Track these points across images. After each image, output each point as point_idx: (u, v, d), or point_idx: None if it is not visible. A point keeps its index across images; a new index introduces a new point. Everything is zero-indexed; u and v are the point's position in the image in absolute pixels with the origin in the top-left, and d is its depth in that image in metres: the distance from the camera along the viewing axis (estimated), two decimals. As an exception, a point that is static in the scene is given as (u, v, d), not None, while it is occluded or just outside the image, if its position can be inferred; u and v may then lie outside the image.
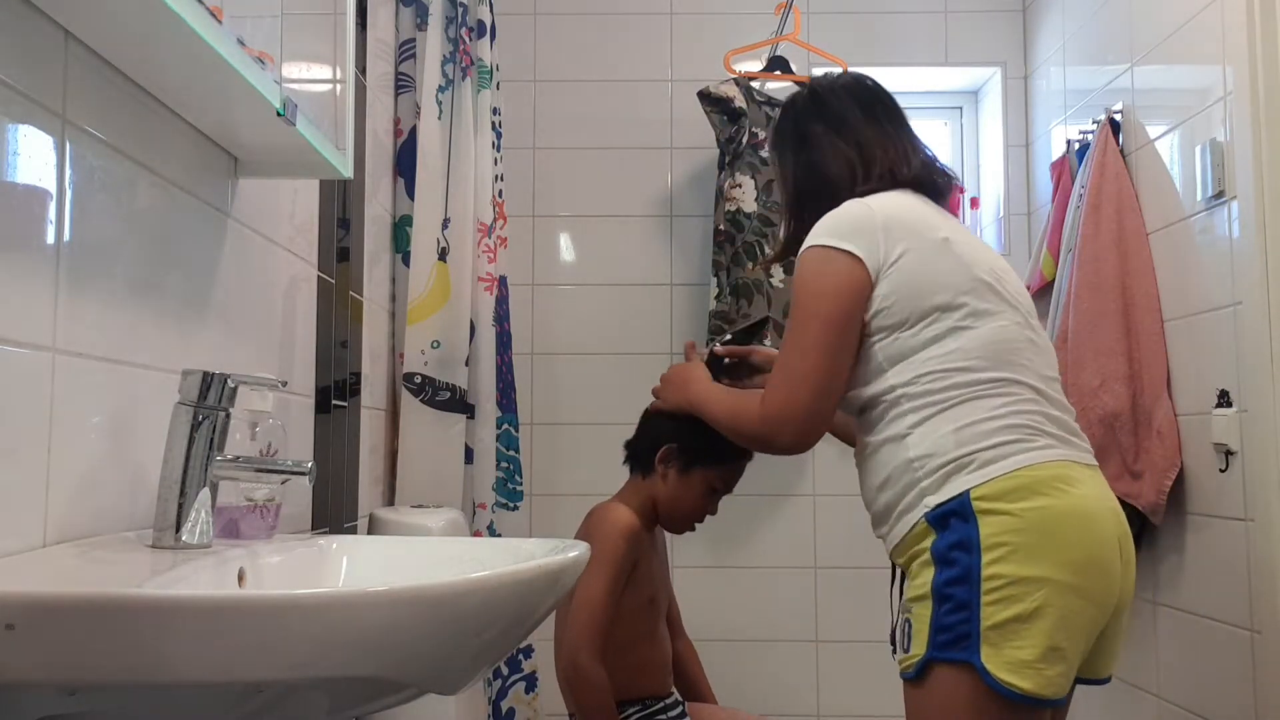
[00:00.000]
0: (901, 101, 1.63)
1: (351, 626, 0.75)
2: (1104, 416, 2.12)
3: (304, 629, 0.74)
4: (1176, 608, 2.10)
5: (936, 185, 1.55)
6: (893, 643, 1.42)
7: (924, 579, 1.33)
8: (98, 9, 0.97)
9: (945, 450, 1.34)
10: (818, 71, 2.51)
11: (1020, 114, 2.88)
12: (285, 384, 1.50)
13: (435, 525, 2.03)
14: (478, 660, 0.92)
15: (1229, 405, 1.89)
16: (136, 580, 0.87)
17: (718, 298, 2.62)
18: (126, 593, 0.74)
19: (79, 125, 1.03)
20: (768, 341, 2.56)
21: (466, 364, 2.32)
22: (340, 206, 1.95)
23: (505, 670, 2.32)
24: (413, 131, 2.37)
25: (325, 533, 1.82)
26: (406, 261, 2.33)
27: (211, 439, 1.06)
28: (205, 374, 1.06)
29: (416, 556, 1.24)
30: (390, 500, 2.32)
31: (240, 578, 1.03)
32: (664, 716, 1.87)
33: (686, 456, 1.84)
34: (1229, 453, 1.89)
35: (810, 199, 1.55)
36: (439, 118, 2.33)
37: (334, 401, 1.90)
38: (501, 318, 2.43)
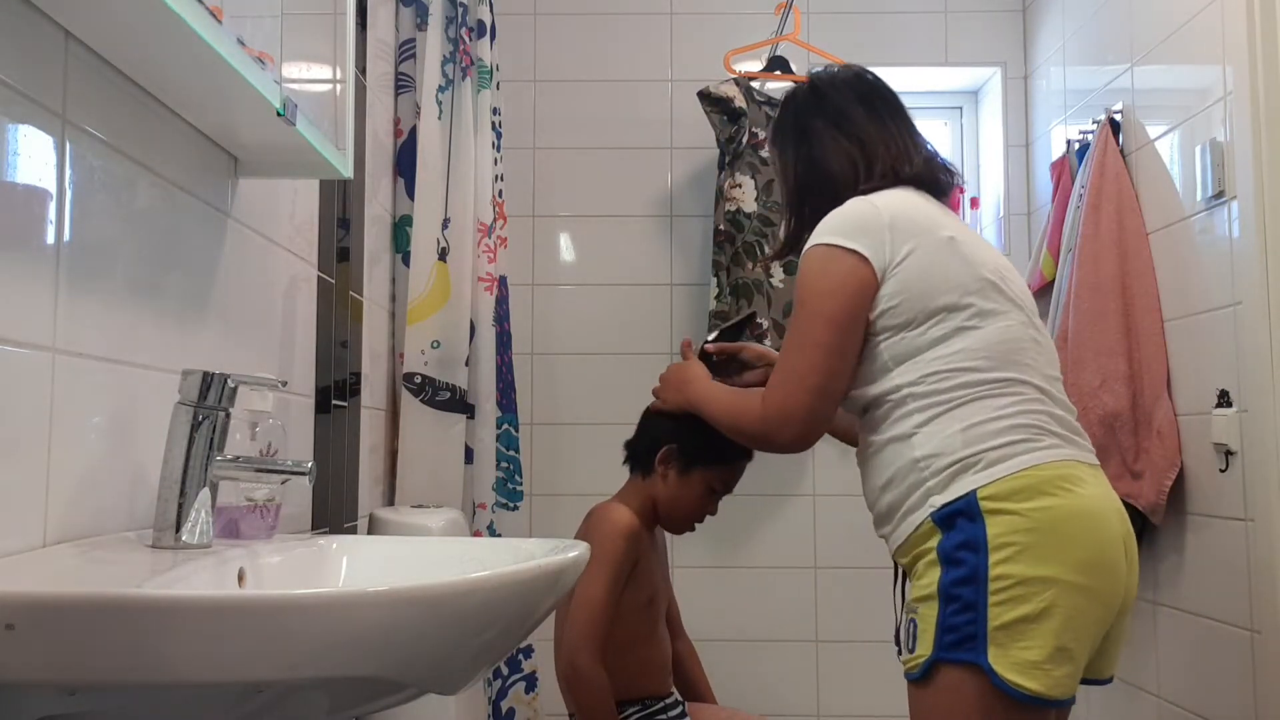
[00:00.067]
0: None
1: (351, 626, 0.75)
2: (1104, 416, 2.12)
3: (304, 629, 0.74)
4: (1176, 608, 2.10)
5: (939, 182, 1.54)
6: (897, 643, 1.41)
7: (930, 579, 1.32)
8: (98, 9, 0.98)
9: (952, 449, 1.33)
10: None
11: (1020, 114, 2.88)
12: (285, 384, 1.50)
13: (435, 525, 2.03)
14: (478, 660, 0.92)
15: (1229, 405, 1.89)
16: (136, 580, 0.87)
17: (718, 298, 2.62)
18: (126, 593, 0.74)
19: (79, 125, 1.03)
20: (768, 341, 2.56)
21: (466, 364, 2.32)
22: (340, 206, 1.95)
23: (505, 670, 2.32)
24: (413, 131, 2.37)
25: (325, 533, 1.82)
26: (406, 261, 2.33)
27: (211, 439, 1.06)
28: (205, 374, 1.06)
29: (416, 556, 1.24)
30: (390, 500, 2.32)
31: (240, 578, 1.03)
32: (664, 716, 1.87)
33: (686, 457, 1.84)
34: (1229, 453, 1.89)
35: (811, 195, 1.55)
36: (439, 118, 2.33)
37: (334, 401, 1.90)
38: (501, 318, 2.43)
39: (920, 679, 1.32)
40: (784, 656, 2.76)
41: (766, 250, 2.58)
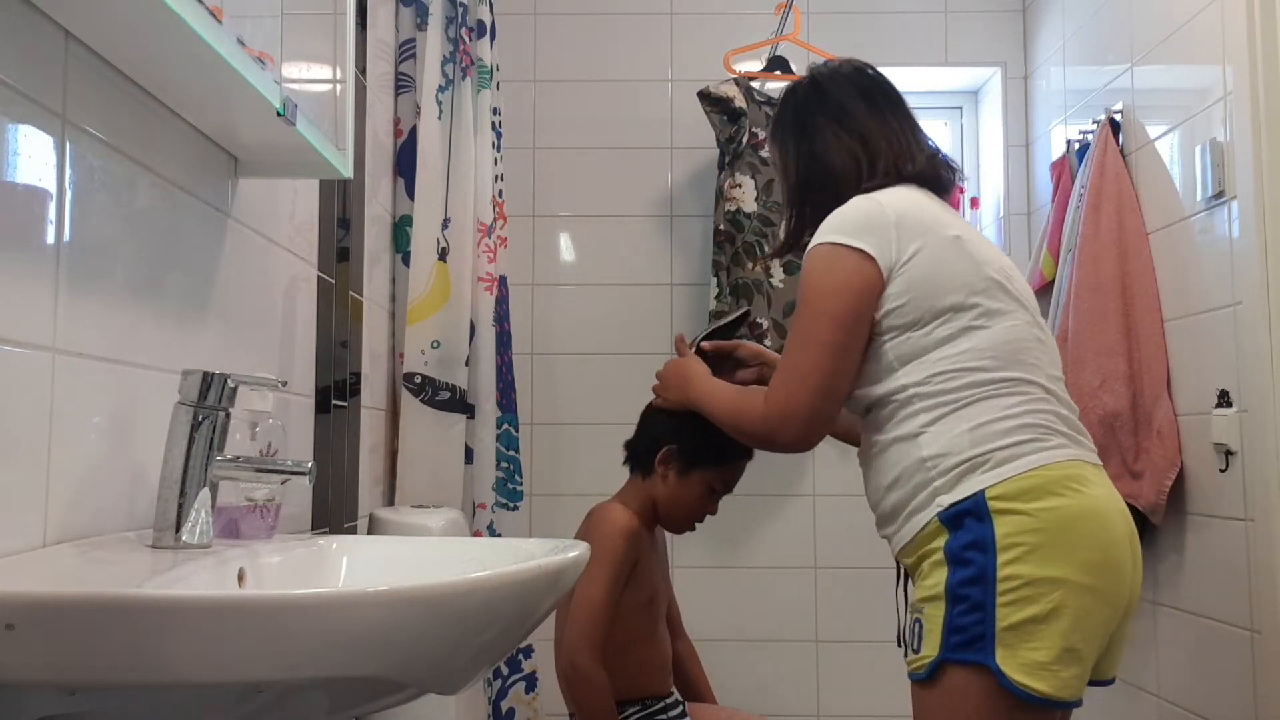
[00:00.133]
0: (901, 101, 1.61)
1: (351, 626, 0.75)
2: (1104, 416, 2.12)
3: (304, 629, 0.74)
4: (1176, 608, 2.10)
5: (941, 180, 1.52)
6: (900, 643, 1.41)
7: (936, 579, 1.31)
8: (98, 9, 0.97)
9: (960, 449, 1.32)
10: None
11: (1020, 114, 2.88)
12: (285, 384, 1.50)
13: (435, 525, 2.03)
14: (478, 660, 0.92)
15: (1229, 405, 1.89)
16: (136, 580, 0.87)
17: (718, 298, 2.62)
18: (126, 593, 0.74)
19: (79, 125, 1.03)
20: (767, 341, 2.56)
21: (466, 364, 2.32)
22: (340, 206, 1.95)
23: (505, 670, 2.32)
24: (413, 131, 2.37)
25: (325, 533, 1.82)
26: (406, 261, 2.33)
27: (211, 439, 1.06)
28: (205, 374, 1.06)
29: (416, 556, 1.24)
30: (390, 500, 2.32)
31: (240, 578, 1.03)
32: (664, 716, 1.87)
33: (686, 457, 1.84)
34: (1229, 453, 1.89)
35: (813, 192, 1.53)
36: (439, 118, 2.33)
37: (334, 401, 1.90)
38: (501, 318, 2.43)
39: (926, 679, 1.31)
40: (784, 656, 2.76)
41: (767, 250, 2.58)
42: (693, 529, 1.91)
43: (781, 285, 2.61)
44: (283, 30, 1.28)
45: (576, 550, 1.00)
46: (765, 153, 2.59)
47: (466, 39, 2.37)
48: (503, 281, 2.45)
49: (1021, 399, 1.35)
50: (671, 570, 2.09)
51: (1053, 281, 2.42)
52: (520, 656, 2.33)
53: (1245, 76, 1.82)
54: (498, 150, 2.45)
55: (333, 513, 1.89)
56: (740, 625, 2.75)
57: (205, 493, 1.05)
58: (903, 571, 1.49)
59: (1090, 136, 2.35)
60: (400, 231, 2.37)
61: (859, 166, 1.50)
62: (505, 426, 2.40)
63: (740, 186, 2.62)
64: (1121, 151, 2.26)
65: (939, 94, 3.04)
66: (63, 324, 1.00)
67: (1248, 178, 1.81)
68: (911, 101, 1.60)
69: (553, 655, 1.85)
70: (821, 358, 1.39)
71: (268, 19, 1.25)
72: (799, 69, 2.75)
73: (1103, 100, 2.38)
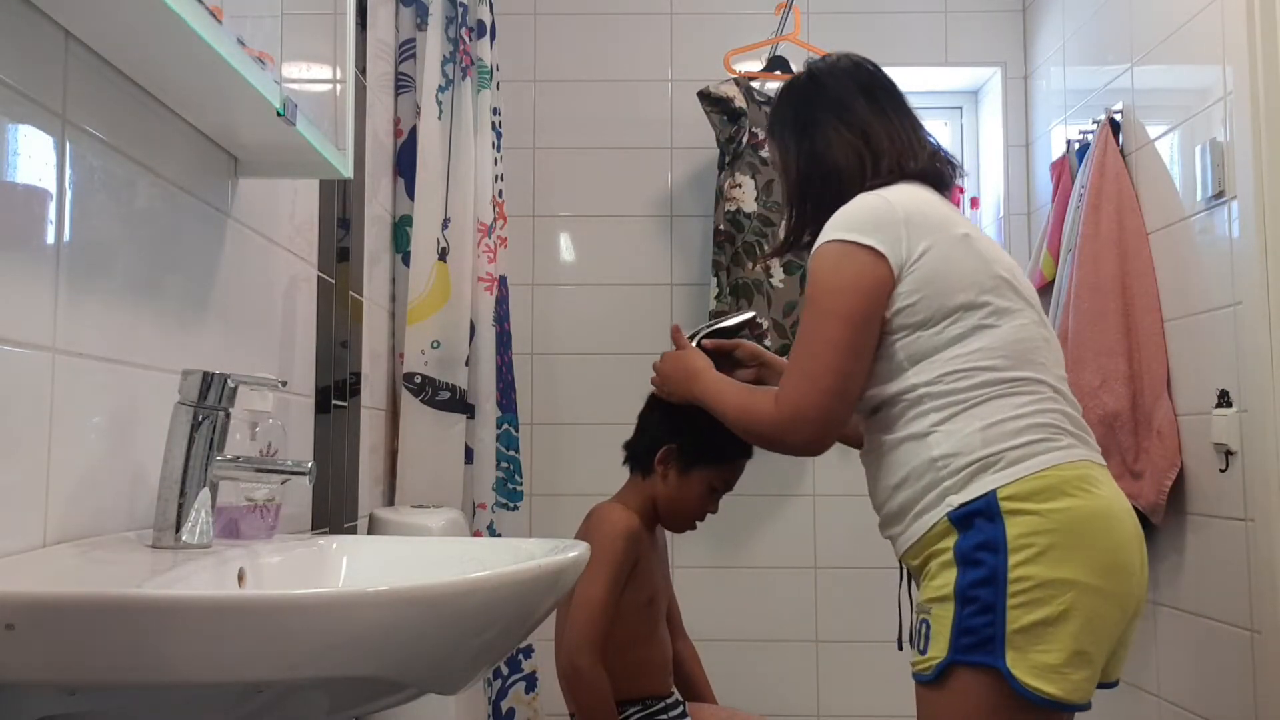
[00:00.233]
0: (901, 101, 1.60)
1: (351, 626, 0.75)
2: (1104, 416, 2.12)
3: (304, 629, 0.74)
4: (1176, 608, 2.10)
5: (943, 177, 1.51)
6: (900, 645, 1.40)
7: (945, 580, 1.29)
8: (98, 9, 0.97)
9: (971, 449, 1.31)
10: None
11: (1020, 114, 2.88)
12: (285, 384, 1.50)
13: (435, 525, 2.03)
14: (478, 660, 0.92)
15: (1229, 405, 1.89)
16: (136, 580, 0.87)
17: (718, 298, 2.62)
18: (126, 593, 0.74)
19: (79, 125, 1.03)
20: (767, 342, 2.56)
21: (466, 364, 2.32)
22: (340, 206, 1.95)
23: (505, 670, 2.32)
24: (413, 131, 2.37)
25: (325, 533, 1.82)
26: (406, 261, 2.33)
27: (211, 439, 1.06)
28: (205, 374, 1.06)
29: (416, 556, 1.24)
30: (390, 500, 2.32)
31: (240, 578, 1.03)
32: (664, 716, 1.87)
33: (686, 456, 1.84)
34: (1229, 453, 1.89)
35: (814, 189, 1.51)
36: (439, 118, 2.33)
37: (334, 401, 1.90)
38: (501, 318, 2.43)
39: (933, 680, 1.29)
40: (784, 656, 2.76)
41: (767, 250, 2.58)
42: (693, 528, 1.91)
43: (781, 285, 2.61)
44: (283, 30, 1.28)
45: (576, 550, 1.00)
46: (765, 153, 2.59)
47: (466, 39, 2.37)
48: (503, 281, 2.45)
49: (1032, 398, 1.34)
50: (672, 570, 2.09)
51: (1053, 281, 2.42)
52: (520, 656, 2.33)
53: (1245, 76, 1.82)
54: (498, 150, 2.45)
55: (333, 513, 1.89)
56: (740, 625, 2.75)
57: (205, 493, 1.05)
58: (906, 573, 1.47)
59: (1090, 136, 2.35)
60: (400, 231, 2.37)
61: (862, 163, 1.47)
62: (505, 426, 2.40)
63: (740, 186, 2.62)
64: (1121, 151, 2.26)
65: (939, 94, 3.04)
66: (63, 324, 1.00)
67: (1248, 178, 1.81)
68: (911, 102, 1.58)
69: (553, 655, 1.84)
70: (833, 359, 1.36)
71: (268, 19, 1.25)
72: (799, 69, 2.74)
73: (1103, 100, 2.38)
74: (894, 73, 1.61)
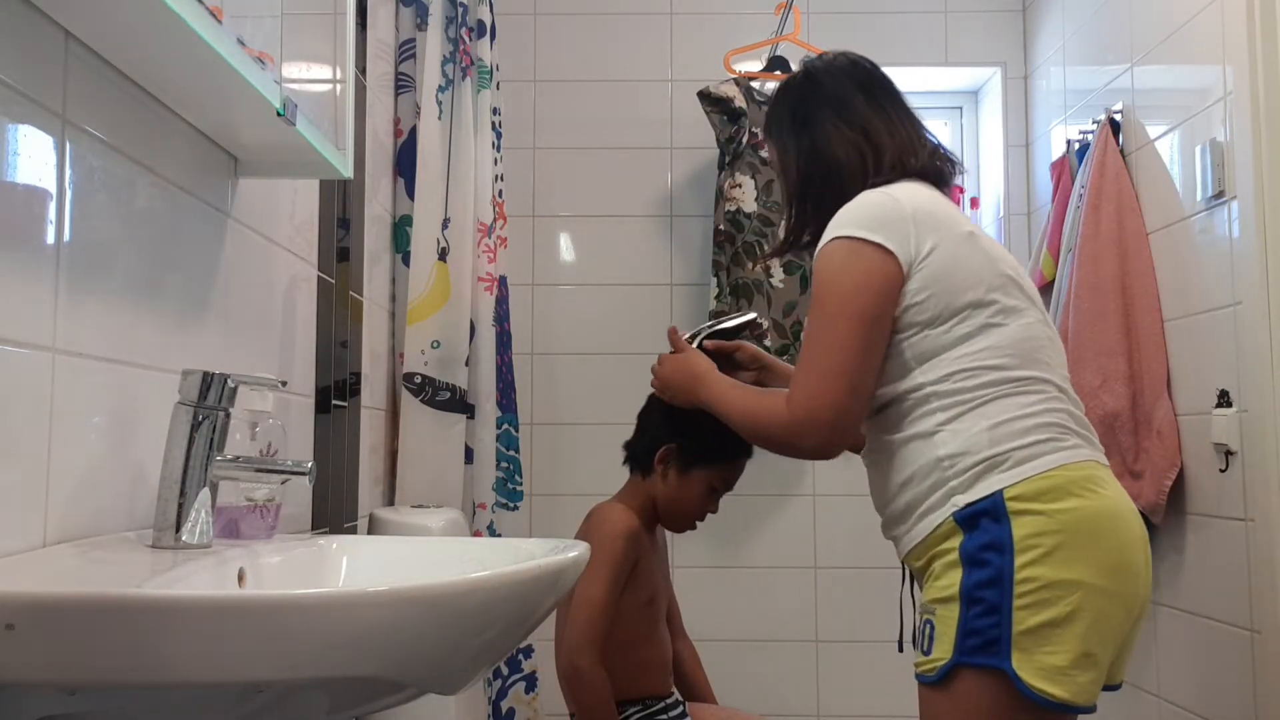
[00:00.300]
0: (901, 101, 1.60)
1: (351, 626, 0.75)
2: (1104, 416, 2.12)
3: (304, 629, 0.74)
4: (1176, 608, 2.10)
5: (943, 174, 1.50)
6: (901, 647, 1.39)
7: (950, 580, 1.28)
8: (98, 9, 0.97)
9: (978, 448, 1.30)
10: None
11: (1020, 114, 2.88)
12: (285, 384, 1.50)
13: (435, 525, 2.03)
14: (478, 660, 0.92)
15: (1229, 405, 1.89)
16: (136, 580, 0.87)
17: (718, 298, 2.62)
18: (126, 593, 0.74)
19: (79, 125, 1.03)
20: (767, 342, 2.56)
21: (466, 364, 2.32)
22: (340, 206, 1.95)
23: (505, 670, 2.32)
24: (413, 131, 2.37)
25: (325, 533, 1.82)
26: (406, 261, 2.33)
27: (211, 439, 1.06)
28: (205, 374, 1.06)
29: (416, 556, 1.24)
30: (390, 500, 2.32)
31: (240, 578, 1.03)
32: (664, 716, 1.86)
33: (686, 456, 1.84)
34: (1229, 453, 1.89)
35: (815, 187, 1.49)
36: (439, 118, 2.33)
37: (334, 401, 1.90)
38: (501, 318, 2.43)
39: (937, 682, 1.28)
40: (784, 656, 2.76)
41: (767, 250, 2.58)
42: (693, 528, 1.91)
43: (781, 285, 2.61)
44: (283, 30, 1.28)
45: (576, 550, 1.00)
46: (765, 152, 2.59)
47: (466, 39, 2.37)
48: (503, 281, 2.45)
49: (1039, 398, 1.33)
50: (672, 570, 2.09)
51: (1053, 281, 2.42)
52: (520, 656, 2.33)
53: (1245, 76, 1.82)
54: (498, 150, 2.45)
55: (333, 513, 1.89)
56: (740, 625, 2.75)
57: (205, 493, 1.05)
58: (909, 574, 1.47)
59: (1090, 136, 2.35)
60: (400, 231, 2.37)
61: (864, 160, 1.46)
62: (505, 426, 2.40)
63: (740, 186, 2.62)
64: (1121, 151, 2.26)
65: (939, 94, 3.04)
66: (63, 324, 1.00)
67: (1248, 178, 1.81)
68: (911, 102, 1.58)
69: (553, 655, 1.84)
70: (845, 359, 1.34)
71: (268, 19, 1.25)
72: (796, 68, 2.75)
73: (1103, 100, 2.38)
74: (894, 73, 1.60)
